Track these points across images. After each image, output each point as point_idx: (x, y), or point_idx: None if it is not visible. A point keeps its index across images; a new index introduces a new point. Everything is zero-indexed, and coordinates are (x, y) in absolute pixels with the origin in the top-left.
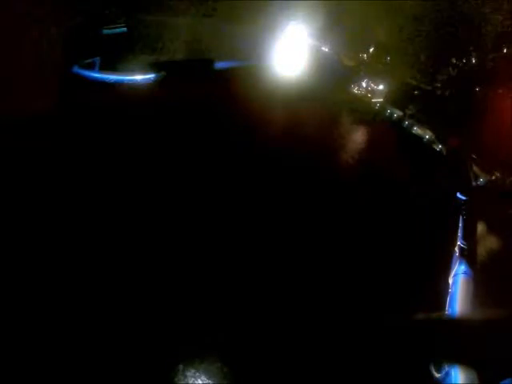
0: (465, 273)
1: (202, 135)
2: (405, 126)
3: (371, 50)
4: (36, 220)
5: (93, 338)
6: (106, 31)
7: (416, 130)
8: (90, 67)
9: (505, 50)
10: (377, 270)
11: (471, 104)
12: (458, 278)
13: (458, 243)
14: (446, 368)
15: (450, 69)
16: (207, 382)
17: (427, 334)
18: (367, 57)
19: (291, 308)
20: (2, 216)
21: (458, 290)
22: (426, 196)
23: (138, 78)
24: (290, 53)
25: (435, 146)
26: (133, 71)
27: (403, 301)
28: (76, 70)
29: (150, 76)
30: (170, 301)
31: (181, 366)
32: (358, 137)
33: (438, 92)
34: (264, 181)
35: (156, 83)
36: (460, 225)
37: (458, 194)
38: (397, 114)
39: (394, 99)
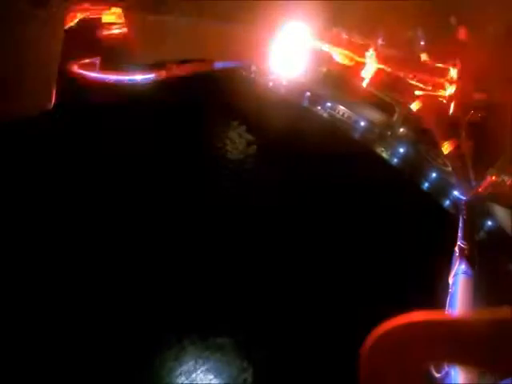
0: (465, 273)
1: (200, 132)
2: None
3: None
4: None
5: (95, 337)
6: (106, 32)
7: (329, 106)
8: (90, 67)
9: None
10: (377, 270)
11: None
12: (458, 278)
13: (458, 243)
14: (446, 368)
15: (451, 68)
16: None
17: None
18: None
19: (293, 308)
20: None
21: (458, 290)
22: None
23: (138, 78)
24: (288, 52)
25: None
26: (133, 71)
27: (403, 300)
28: (76, 70)
29: (150, 76)
30: (172, 301)
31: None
32: None
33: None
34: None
35: (156, 83)
36: (460, 225)
37: (458, 194)
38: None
39: None
